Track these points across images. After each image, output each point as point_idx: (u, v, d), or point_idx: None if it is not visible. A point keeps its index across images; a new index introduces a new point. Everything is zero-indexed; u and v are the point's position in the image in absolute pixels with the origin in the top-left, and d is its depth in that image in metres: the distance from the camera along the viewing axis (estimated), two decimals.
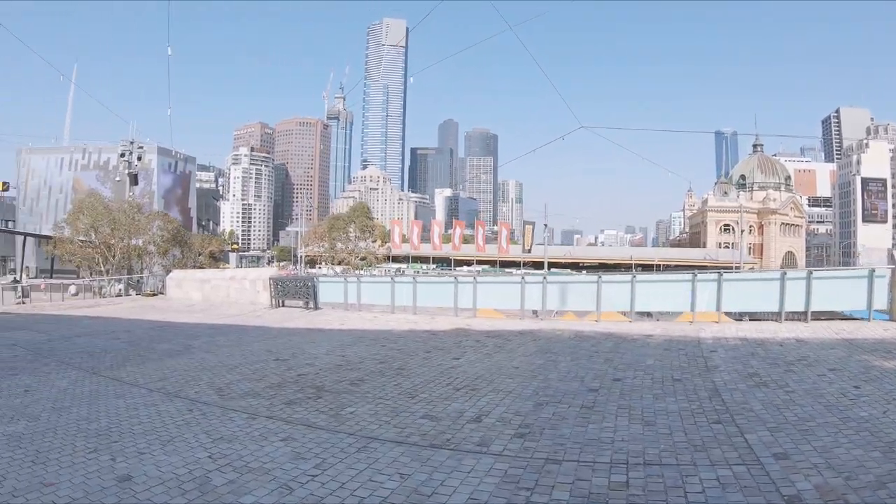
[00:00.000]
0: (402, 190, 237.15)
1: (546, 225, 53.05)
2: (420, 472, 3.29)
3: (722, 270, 10.81)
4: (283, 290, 15.67)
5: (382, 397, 5.15)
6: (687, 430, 3.87)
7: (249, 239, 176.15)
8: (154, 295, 25.03)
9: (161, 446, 3.97)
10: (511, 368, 6.27)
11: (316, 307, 14.63)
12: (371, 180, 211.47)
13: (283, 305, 15.58)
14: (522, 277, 13.77)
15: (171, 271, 26.85)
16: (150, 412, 4.96)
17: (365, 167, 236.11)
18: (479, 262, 64.80)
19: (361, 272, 39.22)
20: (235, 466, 3.49)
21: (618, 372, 5.87)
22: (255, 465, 3.51)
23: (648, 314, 10.89)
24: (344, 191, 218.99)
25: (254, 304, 16.31)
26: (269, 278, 16.40)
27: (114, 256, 29.97)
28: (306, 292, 14.88)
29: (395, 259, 60.48)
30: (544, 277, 12.92)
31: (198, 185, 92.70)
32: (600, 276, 11.13)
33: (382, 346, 8.43)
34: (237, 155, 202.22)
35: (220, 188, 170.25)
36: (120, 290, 28.34)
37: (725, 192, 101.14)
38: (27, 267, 52.67)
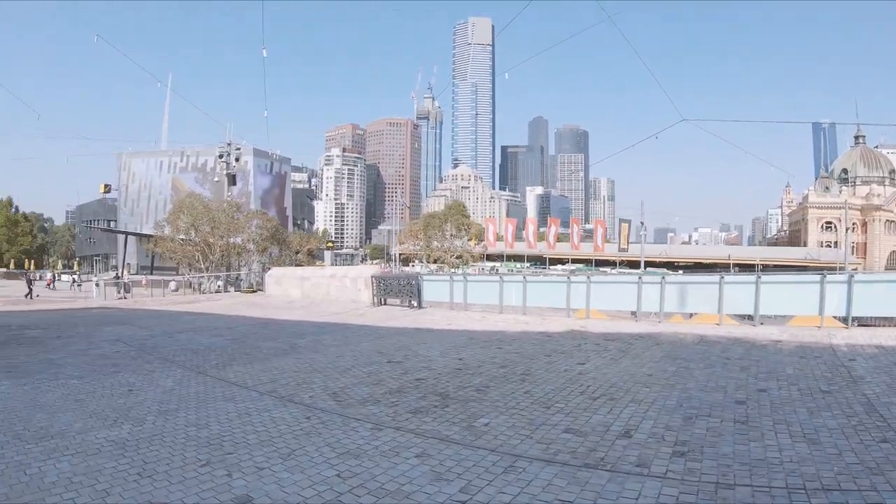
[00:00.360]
0: (493, 188, 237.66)
1: (643, 223, 49.43)
2: (582, 499, 2.96)
3: (848, 271, 10.62)
4: (385, 289, 15.53)
5: (515, 407, 4.83)
6: (855, 449, 3.59)
7: (342, 237, 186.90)
8: (253, 291, 26.46)
9: (281, 461, 3.54)
10: (644, 376, 5.96)
11: (419, 306, 14.25)
12: (462, 179, 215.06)
13: (385, 304, 15.43)
14: (640, 277, 13.32)
15: (269, 268, 28.35)
16: (264, 419, 4.56)
17: (455, 166, 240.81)
18: (574, 261, 63.62)
19: (456, 271, 39.02)
20: (370, 488, 3.11)
21: (759, 382, 5.58)
22: (391, 486, 3.15)
23: (749, 317, 10.07)
24: (435, 189, 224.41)
25: (355, 303, 16.37)
26: (371, 276, 16.37)
27: (213, 254, 32.42)
28: (410, 291, 14.56)
29: (490, 258, 60.06)
30: (663, 277, 12.02)
31: (292, 185, 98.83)
32: (722, 277, 10.81)
33: (499, 348, 8.12)
34: (329, 156, 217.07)
35: (314, 188, 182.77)
36: (219, 286, 30.43)
37: (827, 188, 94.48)
38: (128, 264, 58.74)
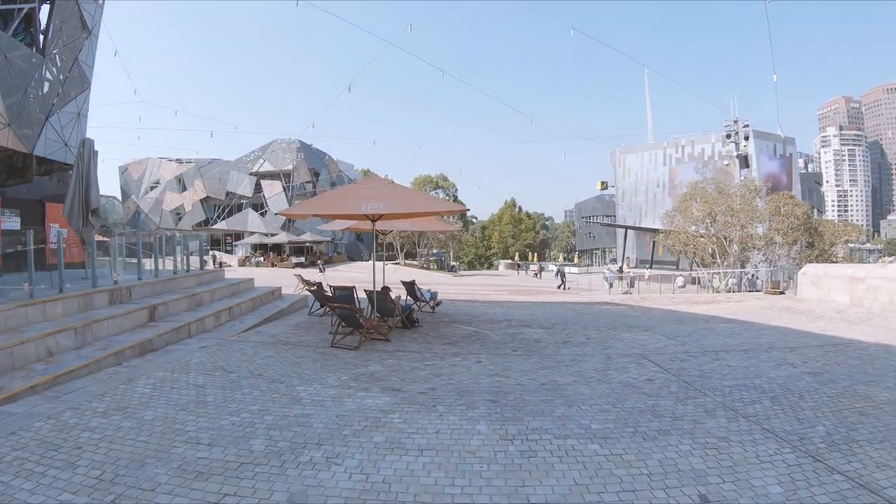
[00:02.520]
0: None
1: None
2: None
3: None
4: None
5: None
6: None
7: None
8: (778, 292, 21.08)
9: None
10: None
11: None
12: None
13: None
14: None
15: (800, 265, 22.16)
16: None
17: None
18: None
19: None
20: None
21: None
22: None
23: None
24: None
25: None
26: None
27: (730, 247, 28.38)
28: None
29: None
30: None
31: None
32: None
33: None
34: (825, 136, 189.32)
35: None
36: (730, 284, 26.62)
37: None
38: (628, 258, 61.56)
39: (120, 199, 62.91)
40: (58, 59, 13.14)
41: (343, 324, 8.38)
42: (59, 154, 13.34)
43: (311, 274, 28.15)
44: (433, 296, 13.39)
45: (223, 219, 56.79)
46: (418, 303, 12.80)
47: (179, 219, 58.02)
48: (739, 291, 24.32)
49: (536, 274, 52.71)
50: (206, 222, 57.29)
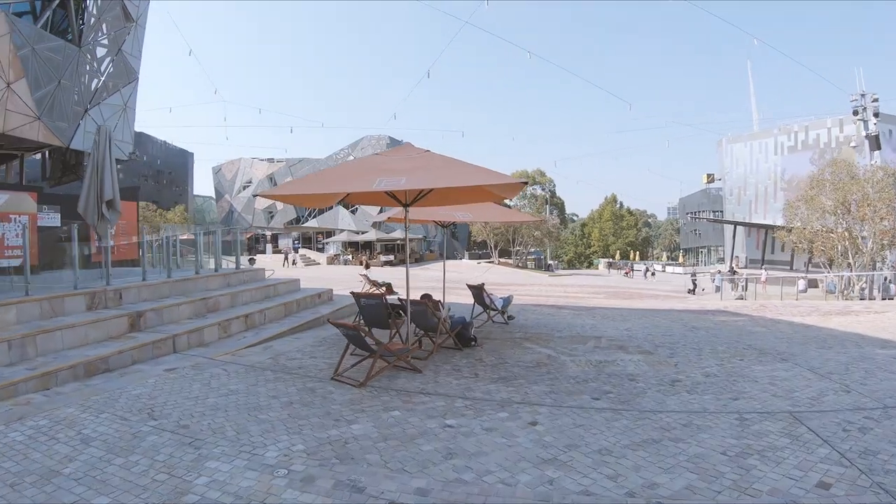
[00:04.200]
0: None
1: None
2: None
3: None
4: None
5: None
6: None
7: None
8: None
9: None
10: None
11: None
12: None
13: None
14: None
15: None
16: None
17: None
18: None
19: None
20: None
21: None
22: None
23: None
24: None
25: None
26: None
27: (865, 245, 22.86)
28: None
29: None
30: None
31: None
32: None
33: None
34: None
35: None
36: (863, 290, 21.96)
37: None
38: (737, 256, 54.31)
39: (214, 198, 67.34)
40: (97, 50, 12.56)
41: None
42: None
43: (381, 273, 26.76)
44: (506, 302, 10.88)
45: (314, 217, 58.25)
46: (488, 311, 10.42)
47: (271, 217, 60.57)
48: (870, 298, 20.35)
49: (626, 273, 49.87)
50: (297, 220, 59.16)
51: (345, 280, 23.68)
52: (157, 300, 8.29)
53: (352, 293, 7.66)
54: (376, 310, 7.30)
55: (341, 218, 55.89)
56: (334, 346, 7.70)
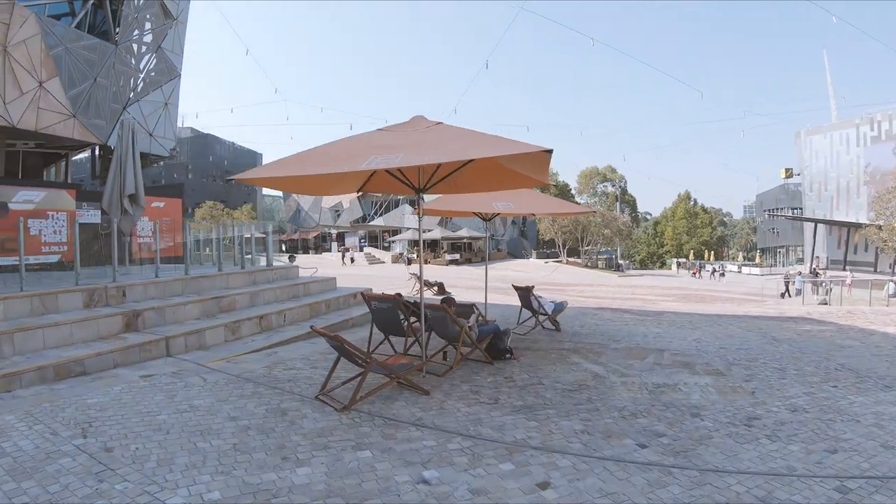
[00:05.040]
0: None
1: None
2: None
3: None
4: None
5: None
6: None
7: None
8: None
9: None
10: None
11: None
12: None
13: None
14: None
15: None
16: None
17: None
18: None
19: None
20: None
21: None
22: None
23: None
24: None
25: None
26: None
27: None
28: None
29: None
30: None
31: None
32: None
33: None
34: None
35: None
36: None
37: None
38: (817, 256, 48.94)
39: (283, 197, 69.75)
40: (136, 48, 12.66)
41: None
42: (142, 144, 12.87)
43: (433, 272, 25.87)
44: (558, 307, 9.59)
45: (380, 215, 58.78)
46: (537, 315, 9.22)
47: (338, 216, 61.79)
48: None
49: (694, 273, 47.37)
50: (364, 219, 59.95)
51: (399, 278, 23.10)
52: (165, 298, 7.84)
53: (361, 294, 6.76)
54: (389, 314, 6.35)
55: (407, 216, 55.95)
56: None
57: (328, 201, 61.52)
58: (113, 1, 11.77)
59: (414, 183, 5.81)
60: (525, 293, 9.52)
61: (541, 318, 9.31)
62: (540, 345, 7.80)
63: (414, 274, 18.58)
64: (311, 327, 5.21)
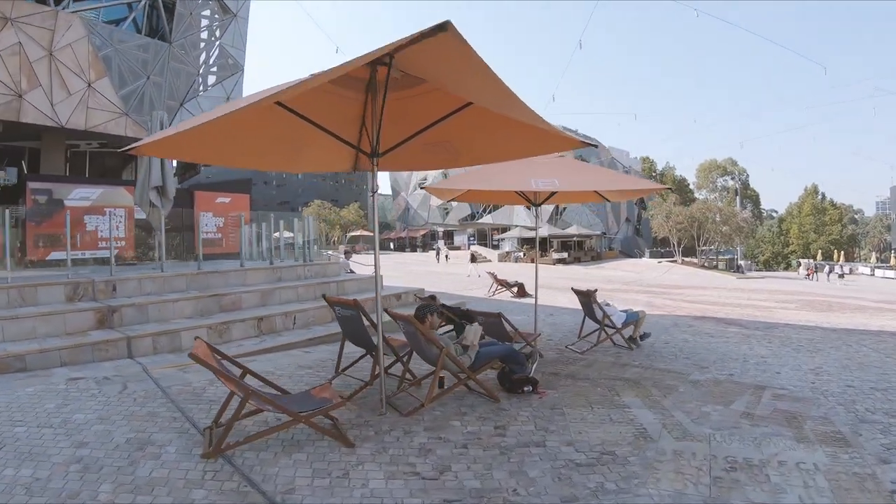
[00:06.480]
0: None
1: None
2: None
3: None
4: None
5: None
6: None
7: None
8: None
9: None
10: None
11: None
12: None
13: None
14: None
15: None
16: None
17: None
18: None
19: None
20: None
21: None
22: None
23: None
24: None
25: None
26: None
27: None
28: None
29: None
30: None
31: None
32: None
33: None
34: None
35: None
36: None
37: None
38: None
39: (392, 196, 71.68)
40: (194, 44, 13.08)
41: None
42: None
43: (514, 271, 24.09)
44: (629, 319, 7.90)
45: (489, 213, 57.95)
46: (605, 329, 7.64)
47: (446, 214, 62.01)
48: None
49: (808, 275, 41.92)
50: (472, 217, 59.51)
51: (480, 278, 21.98)
52: (161, 294, 7.61)
53: (323, 296, 5.81)
54: (354, 323, 5.31)
55: (516, 214, 54.48)
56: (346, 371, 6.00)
57: (437, 199, 62.14)
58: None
59: (363, 147, 4.72)
60: (586, 299, 7.97)
61: (610, 331, 7.70)
62: (592, 370, 6.13)
63: (492, 273, 17.36)
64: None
